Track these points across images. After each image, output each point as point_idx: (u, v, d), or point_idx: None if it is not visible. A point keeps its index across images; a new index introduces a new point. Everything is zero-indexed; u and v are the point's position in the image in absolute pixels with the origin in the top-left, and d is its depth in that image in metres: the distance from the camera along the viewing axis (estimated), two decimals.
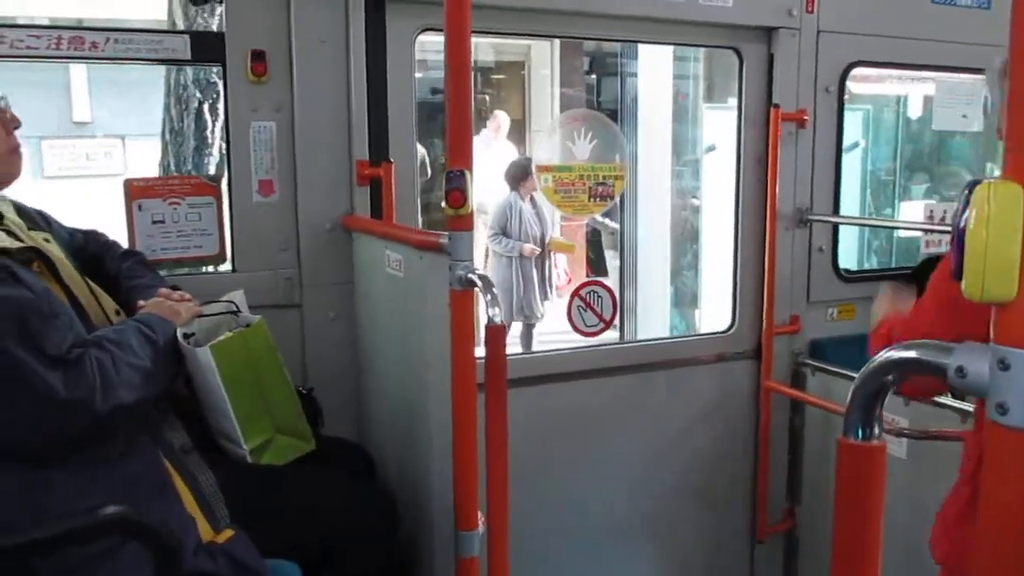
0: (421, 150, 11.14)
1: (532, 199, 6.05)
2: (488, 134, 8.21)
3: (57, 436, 1.52)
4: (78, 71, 8.94)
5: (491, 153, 7.67)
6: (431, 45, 2.69)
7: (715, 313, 3.95)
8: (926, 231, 3.33)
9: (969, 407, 2.21)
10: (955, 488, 1.88)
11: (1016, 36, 0.76)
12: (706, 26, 2.87)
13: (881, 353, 0.88)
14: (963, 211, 0.76)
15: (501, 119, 8.21)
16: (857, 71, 3.02)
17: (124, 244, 2.21)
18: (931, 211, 3.39)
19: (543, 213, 6.06)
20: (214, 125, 3.73)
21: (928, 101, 3.35)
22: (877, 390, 0.89)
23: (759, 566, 3.09)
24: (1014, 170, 0.76)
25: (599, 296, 2.74)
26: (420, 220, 2.63)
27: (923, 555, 2.39)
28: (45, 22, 2.68)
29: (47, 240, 1.79)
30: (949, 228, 0.79)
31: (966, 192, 0.77)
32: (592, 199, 2.68)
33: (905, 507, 2.34)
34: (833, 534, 0.96)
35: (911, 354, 0.86)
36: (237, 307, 2.01)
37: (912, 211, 3.42)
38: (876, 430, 0.90)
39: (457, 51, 1.73)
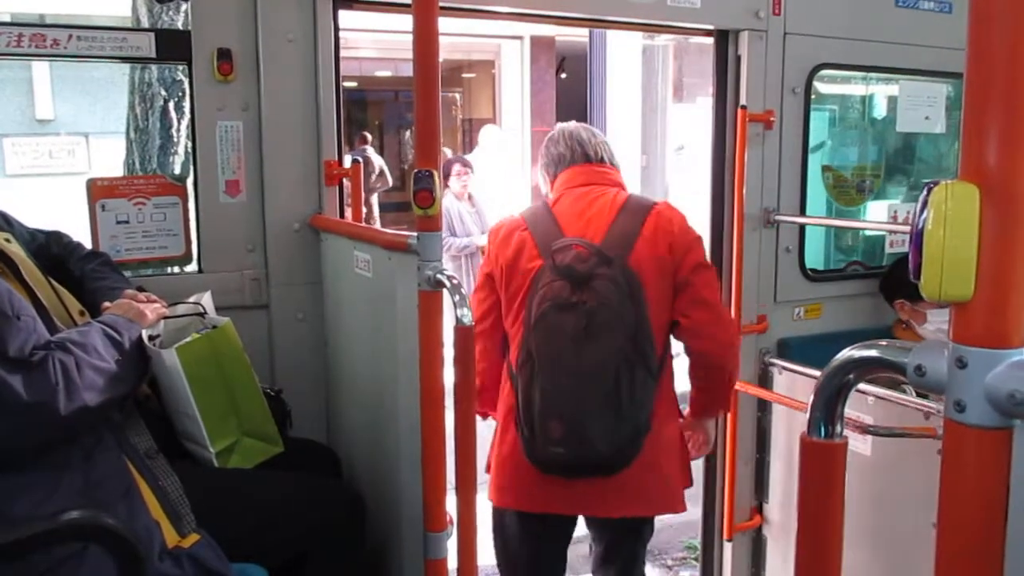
0: (378, 159, 11.24)
1: (471, 198, 6.10)
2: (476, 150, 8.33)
3: (19, 440, 1.49)
4: (41, 68, 8.81)
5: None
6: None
7: None
8: (890, 231, 3.39)
9: (933, 405, 2.25)
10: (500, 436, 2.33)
11: (973, 41, 0.78)
12: (674, 27, 2.90)
13: (843, 352, 0.90)
14: (921, 212, 0.78)
15: (482, 135, 8.28)
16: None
17: (88, 245, 2.18)
18: (895, 211, 3.44)
19: (483, 212, 6.11)
20: (179, 124, 3.69)
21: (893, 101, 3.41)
22: (839, 389, 0.90)
23: (728, 564, 3.11)
24: (970, 171, 0.77)
25: None
26: None
27: (886, 548, 2.43)
28: (6, 18, 2.63)
29: (8, 240, 1.76)
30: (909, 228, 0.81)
31: (925, 193, 0.78)
32: (858, 192, 3.37)
33: (869, 502, 2.38)
34: (797, 529, 0.98)
35: (872, 353, 0.87)
36: (204, 309, 1.99)
37: (878, 210, 3.48)
38: (838, 428, 0.92)
39: (425, 49, 1.73)
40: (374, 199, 10.75)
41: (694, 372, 2.28)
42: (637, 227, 2.16)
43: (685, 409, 2.40)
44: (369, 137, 11.36)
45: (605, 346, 2.03)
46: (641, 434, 2.11)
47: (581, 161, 2.33)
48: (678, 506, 2.27)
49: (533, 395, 2.10)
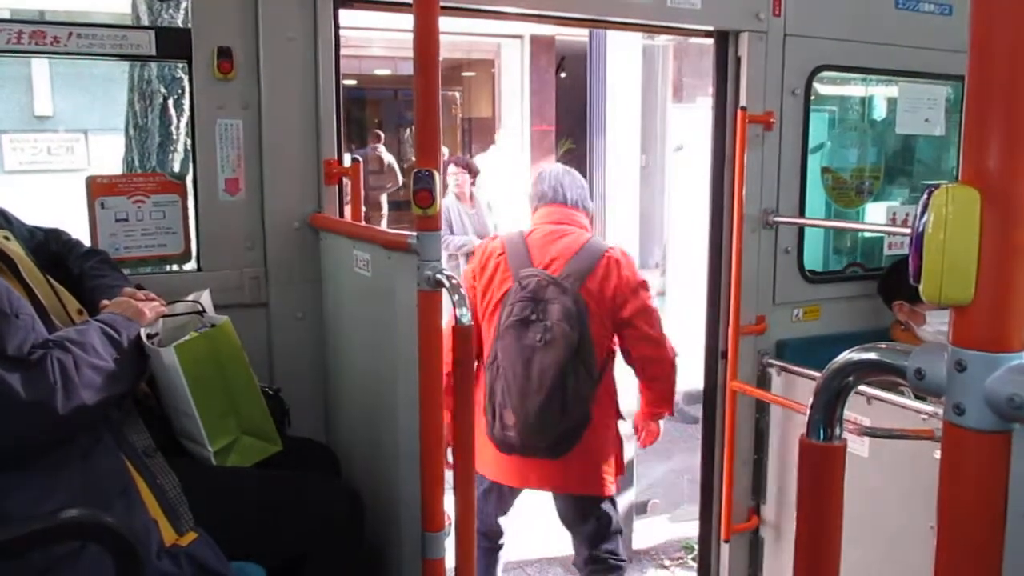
0: (389, 156, 11.25)
1: (472, 199, 6.09)
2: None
3: (17, 439, 1.49)
4: (40, 64, 8.81)
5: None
6: None
7: (681, 314, 4.00)
8: (889, 233, 3.39)
9: (929, 408, 2.25)
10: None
11: (974, 44, 0.78)
12: (674, 28, 2.90)
13: (842, 355, 0.90)
14: (922, 215, 0.78)
15: (499, 136, 8.33)
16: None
17: (86, 242, 2.18)
18: (894, 212, 3.45)
19: (483, 214, 6.09)
20: (179, 121, 3.69)
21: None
22: (838, 391, 0.90)
23: (725, 565, 3.11)
24: (971, 175, 0.77)
25: None
26: None
27: (883, 550, 2.43)
28: (6, 15, 2.63)
29: (7, 238, 1.76)
30: (910, 230, 0.81)
31: (925, 196, 0.78)
32: (857, 194, 3.37)
33: (866, 504, 2.38)
34: (795, 531, 0.98)
35: (871, 356, 0.87)
36: (203, 307, 1.99)
37: (877, 212, 3.48)
38: (837, 430, 0.92)
39: (426, 49, 1.73)
40: (383, 198, 10.74)
41: (644, 387, 2.88)
42: (591, 266, 2.68)
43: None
44: (381, 135, 11.34)
45: (555, 355, 2.55)
46: (582, 426, 2.65)
47: (560, 201, 2.85)
48: (606, 489, 2.78)
49: (496, 388, 2.64)
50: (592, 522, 2.85)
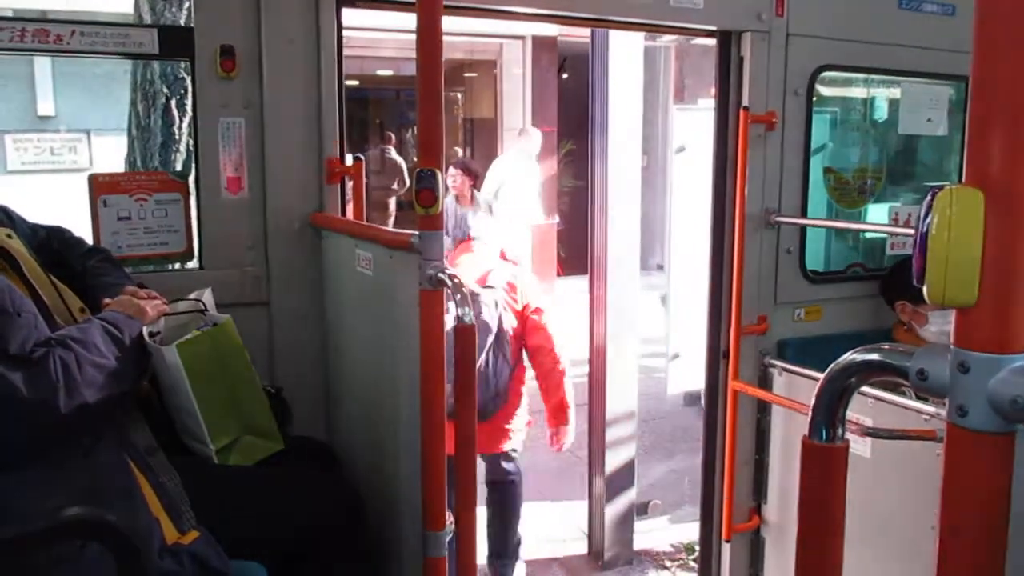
0: (399, 158, 11.22)
1: (473, 201, 6.08)
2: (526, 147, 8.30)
3: (20, 437, 1.49)
4: (42, 64, 8.81)
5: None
6: None
7: (683, 314, 4.00)
8: (890, 233, 3.39)
9: (931, 409, 2.25)
10: None
11: (978, 45, 0.77)
12: (677, 27, 2.90)
13: (845, 355, 0.90)
14: (926, 216, 0.78)
15: (522, 139, 8.31)
16: None
17: (89, 241, 2.18)
18: (896, 213, 3.44)
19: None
20: (181, 121, 3.69)
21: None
22: (841, 392, 0.90)
23: (726, 565, 3.11)
24: (975, 176, 0.77)
25: None
26: None
27: (884, 550, 2.43)
28: (8, 14, 2.63)
29: (9, 236, 1.76)
30: (913, 231, 0.81)
31: (929, 197, 0.78)
32: (860, 194, 3.38)
33: (868, 505, 2.38)
34: (797, 532, 0.97)
35: (874, 356, 0.87)
36: (205, 306, 1.99)
37: (879, 212, 3.48)
38: (840, 431, 0.92)
39: (429, 48, 1.73)
40: (391, 200, 10.72)
41: (540, 383, 3.46)
42: (502, 281, 3.38)
43: None
44: (392, 136, 11.33)
45: (482, 343, 3.16)
46: (500, 396, 3.37)
47: (467, 237, 3.55)
48: (511, 443, 3.47)
49: None
50: (501, 472, 3.55)
